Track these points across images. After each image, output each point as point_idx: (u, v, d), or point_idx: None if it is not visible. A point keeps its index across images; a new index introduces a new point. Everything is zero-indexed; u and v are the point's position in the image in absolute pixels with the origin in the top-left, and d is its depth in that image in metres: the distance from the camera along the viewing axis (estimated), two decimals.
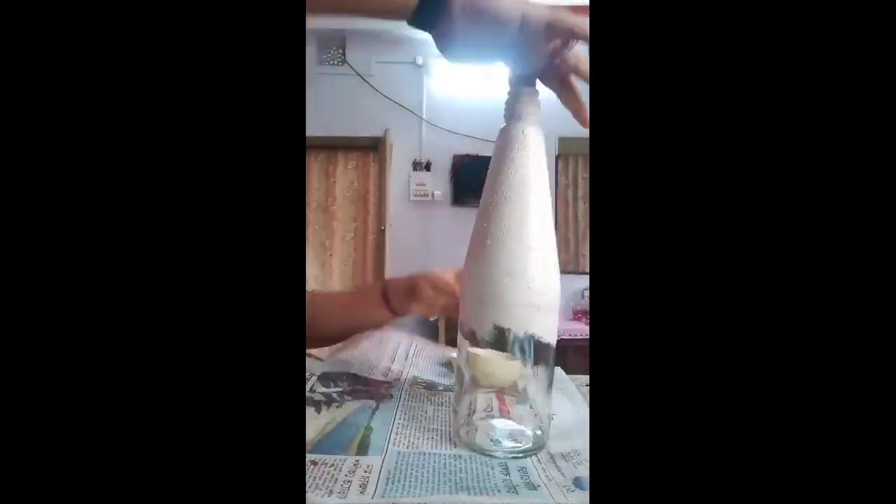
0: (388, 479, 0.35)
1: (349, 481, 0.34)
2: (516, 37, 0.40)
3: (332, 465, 0.37)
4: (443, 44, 0.41)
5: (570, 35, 0.41)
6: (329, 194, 3.43)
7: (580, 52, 0.43)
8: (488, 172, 0.42)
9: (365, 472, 0.36)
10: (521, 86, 0.43)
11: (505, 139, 0.42)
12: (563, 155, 3.19)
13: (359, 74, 3.32)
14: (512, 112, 0.42)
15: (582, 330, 2.78)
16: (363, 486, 0.34)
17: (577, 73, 0.45)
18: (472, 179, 3.09)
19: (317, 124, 3.05)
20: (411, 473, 0.36)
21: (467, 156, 3.16)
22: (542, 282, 0.40)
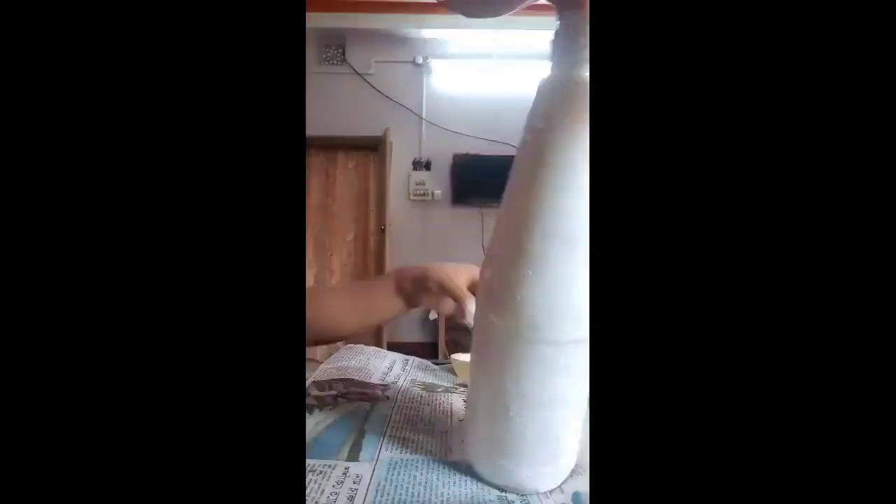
0: (377, 490, 0.33)
1: (336, 493, 0.33)
2: None
3: (320, 472, 0.35)
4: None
5: None
6: (329, 194, 3.43)
7: None
8: (522, 152, 0.32)
9: (354, 482, 0.34)
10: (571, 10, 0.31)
11: (555, 94, 0.31)
12: None
13: (359, 74, 3.32)
14: (565, 52, 0.30)
15: None
16: (351, 499, 0.32)
17: None
18: (471, 179, 3.09)
19: (317, 124, 3.05)
20: (402, 484, 0.34)
21: (467, 155, 3.16)
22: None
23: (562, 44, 0.31)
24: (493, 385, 0.34)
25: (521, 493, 0.35)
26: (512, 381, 0.33)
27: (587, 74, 0.30)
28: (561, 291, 0.31)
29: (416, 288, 0.67)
